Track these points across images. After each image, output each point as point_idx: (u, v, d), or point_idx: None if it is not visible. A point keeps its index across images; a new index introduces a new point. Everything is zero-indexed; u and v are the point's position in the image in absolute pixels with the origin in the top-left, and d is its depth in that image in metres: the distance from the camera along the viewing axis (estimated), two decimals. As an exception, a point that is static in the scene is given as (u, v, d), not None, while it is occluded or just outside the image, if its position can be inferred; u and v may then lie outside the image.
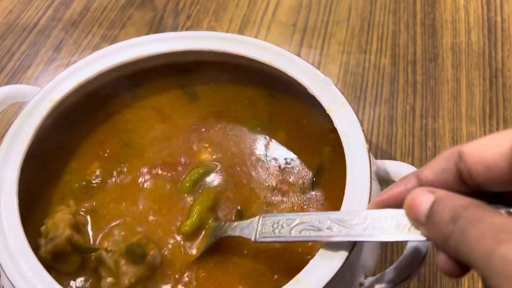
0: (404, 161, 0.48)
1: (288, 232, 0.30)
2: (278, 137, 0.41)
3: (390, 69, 0.58)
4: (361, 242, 0.32)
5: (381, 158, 0.43)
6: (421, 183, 0.26)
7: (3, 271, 0.29)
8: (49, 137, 0.37)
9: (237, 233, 0.33)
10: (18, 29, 0.63)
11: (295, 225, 0.30)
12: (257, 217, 0.32)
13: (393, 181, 0.36)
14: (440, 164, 0.25)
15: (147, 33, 0.61)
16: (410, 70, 0.58)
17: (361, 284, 0.32)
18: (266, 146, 0.41)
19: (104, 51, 0.41)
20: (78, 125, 0.40)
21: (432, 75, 0.58)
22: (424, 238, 0.25)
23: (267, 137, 0.41)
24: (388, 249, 0.45)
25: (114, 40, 0.61)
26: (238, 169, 0.40)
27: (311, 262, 0.30)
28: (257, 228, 0.32)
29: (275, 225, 0.31)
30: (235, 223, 0.34)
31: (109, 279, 0.33)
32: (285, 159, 0.40)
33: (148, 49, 0.41)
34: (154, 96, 0.44)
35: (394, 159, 0.51)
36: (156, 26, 0.63)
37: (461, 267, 0.23)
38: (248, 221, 0.33)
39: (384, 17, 0.63)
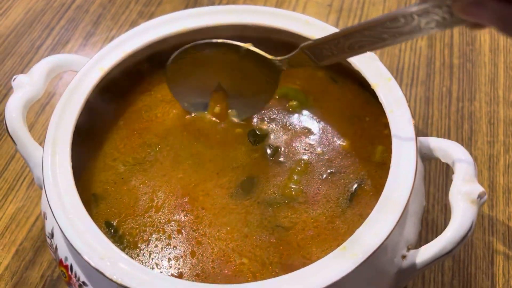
0: (441, 142, 0.48)
1: (346, 48, 0.31)
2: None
3: (427, 51, 0.58)
4: (405, 213, 0.32)
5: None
6: None
7: (61, 230, 0.30)
8: (98, 105, 0.38)
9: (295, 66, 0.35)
10: (57, 4, 0.64)
11: (350, 42, 0.31)
12: (299, 51, 0.34)
13: (437, 158, 0.36)
14: None
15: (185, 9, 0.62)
16: (446, 53, 0.58)
17: (403, 256, 0.33)
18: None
19: (149, 24, 0.41)
20: (124, 95, 0.41)
21: (469, 58, 0.57)
22: None
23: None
24: (423, 228, 0.45)
25: (151, 16, 0.62)
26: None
27: (358, 231, 0.30)
28: (310, 56, 0.34)
29: (326, 50, 0.33)
30: (286, 60, 0.36)
31: None
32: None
33: (192, 22, 0.42)
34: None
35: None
36: (193, 4, 0.63)
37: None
38: (294, 55, 0.35)
39: (420, -1, 0.63)
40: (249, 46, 0.39)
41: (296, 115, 0.41)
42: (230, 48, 0.39)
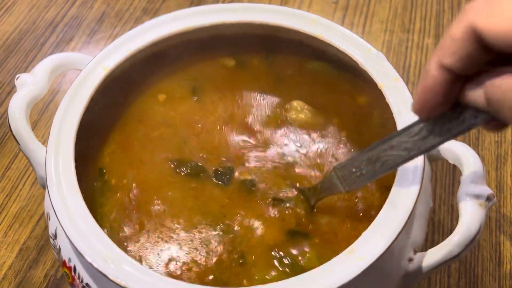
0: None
1: (372, 170, 0.31)
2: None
3: (434, 49, 0.57)
4: (412, 216, 0.32)
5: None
6: (448, 70, 0.24)
7: (64, 231, 0.30)
8: (101, 104, 0.38)
9: (323, 194, 0.34)
10: (61, 1, 0.64)
11: (375, 160, 0.30)
12: (332, 172, 0.33)
13: (444, 159, 0.36)
14: (461, 47, 0.23)
15: (189, 7, 0.61)
16: (454, 51, 0.57)
17: (410, 259, 0.32)
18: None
19: (153, 22, 0.41)
20: (127, 93, 0.41)
21: (476, 56, 0.57)
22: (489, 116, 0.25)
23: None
24: (430, 229, 0.45)
25: (155, 13, 0.62)
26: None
27: (364, 233, 0.30)
28: (340, 180, 0.33)
29: (356, 170, 0.32)
30: (318, 186, 0.34)
31: None
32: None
33: (196, 21, 0.41)
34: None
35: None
36: (197, 1, 0.63)
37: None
38: (326, 179, 0.34)
39: (427, -4, 0.62)
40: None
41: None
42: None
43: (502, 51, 0.23)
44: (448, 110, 0.26)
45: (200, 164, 0.38)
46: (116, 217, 0.35)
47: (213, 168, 0.38)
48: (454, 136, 0.27)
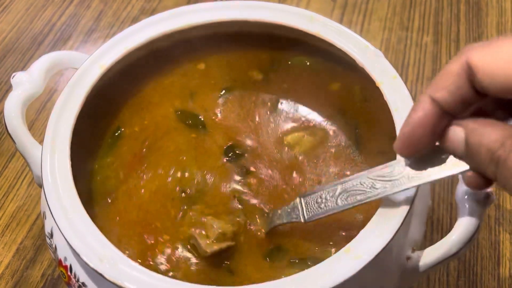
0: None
1: (334, 203, 0.30)
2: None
3: (433, 47, 0.57)
4: (410, 214, 0.32)
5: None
6: (439, 105, 0.25)
7: (60, 230, 0.30)
8: (98, 102, 0.38)
9: (285, 220, 0.33)
10: (58, 0, 0.63)
11: (339, 194, 0.30)
12: (297, 199, 0.32)
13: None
14: (453, 82, 0.24)
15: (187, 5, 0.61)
16: (453, 49, 0.57)
17: (408, 258, 0.32)
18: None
19: (150, 20, 0.41)
20: (125, 91, 0.41)
21: (475, 54, 0.56)
22: (467, 168, 0.25)
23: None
24: (428, 228, 0.45)
25: (152, 12, 0.61)
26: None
27: (361, 232, 0.30)
28: (302, 209, 0.32)
29: (319, 200, 0.31)
30: (279, 211, 0.34)
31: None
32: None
33: (193, 18, 0.41)
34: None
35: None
36: (195, -1, 0.63)
37: (488, 181, 0.25)
38: (290, 205, 0.33)
39: (426, -6, 0.62)
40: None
41: None
42: None
43: (489, 93, 0.23)
44: (431, 153, 0.26)
45: None
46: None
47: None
48: (430, 182, 0.27)
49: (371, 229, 0.29)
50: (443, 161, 0.26)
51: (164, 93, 0.42)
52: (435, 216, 0.46)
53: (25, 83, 0.37)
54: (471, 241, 0.32)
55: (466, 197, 0.32)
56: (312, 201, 0.31)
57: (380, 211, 0.30)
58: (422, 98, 0.25)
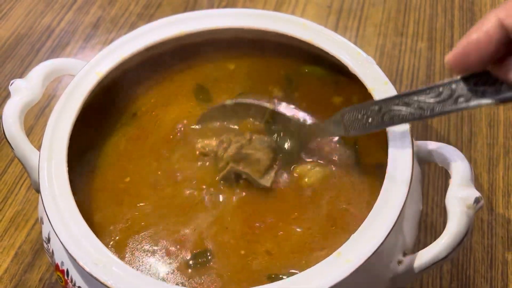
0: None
1: (379, 121, 0.31)
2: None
3: (427, 53, 0.58)
4: (401, 218, 0.32)
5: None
6: (506, 31, 0.23)
7: (56, 235, 0.30)
8: (94, 109, 0.38)
9: (322, 134, 0.35)
10: (57, 7, 0.64)
11: (384, 112, 0.31)
12: (339, 113, 0.33)
13: (434, 162, 0.36)
14: None
15: (183, 12, 0.62)
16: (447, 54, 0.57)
17: (399, 261, 0.33)
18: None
19: (147, 27, 0.41)
20: (120, 98, 0.41)
21: (469, 59, 0.57)
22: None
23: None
24: (422, 232, 0.45)
25: (150, 18, 0.62)
26: None
27: (353, 236, 0.30)
28: (344, 123, 0.33)
29: (362, 117, 0.32)
30: (320, 124, 0.35)
31: None
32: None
33: (189, 26, 0.42)
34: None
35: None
36: (192, 6, 0.63)
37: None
38: (331, 119, 0.34)
39: (421, 0, 0.62)
40: (273, 107, 0.38)
41: None
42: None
43: None
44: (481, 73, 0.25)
45: None
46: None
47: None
48: (476, 106, 0.26)
49: (362, 233, 0.30)
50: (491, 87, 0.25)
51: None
52: (429, 220, 0.46)
53: (23, 90, 0.37)
54: (461, 244, 0.32)
55: (455, 201, 0.32)
56: (354, 117, 0.32)
57: (371, 215, 0.31)
58: (490, 18, 0.23)
